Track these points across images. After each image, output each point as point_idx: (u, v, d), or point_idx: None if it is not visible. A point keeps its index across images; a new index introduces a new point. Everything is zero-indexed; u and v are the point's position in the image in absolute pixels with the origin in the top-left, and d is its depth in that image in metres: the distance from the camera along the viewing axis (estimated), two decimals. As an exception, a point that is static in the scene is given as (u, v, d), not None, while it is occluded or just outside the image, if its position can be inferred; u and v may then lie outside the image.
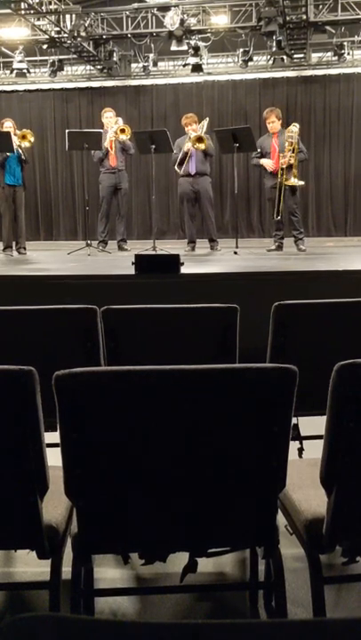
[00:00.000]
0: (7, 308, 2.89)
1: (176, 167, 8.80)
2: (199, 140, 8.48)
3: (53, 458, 1.91)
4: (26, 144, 8.64)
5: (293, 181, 8.12)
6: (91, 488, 1.86)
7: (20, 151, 8.61)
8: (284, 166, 8.13)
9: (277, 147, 8.26)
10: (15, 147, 8.48)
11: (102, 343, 2.81)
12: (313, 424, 2.79)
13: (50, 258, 8.54)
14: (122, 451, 1.82)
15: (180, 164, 8.69)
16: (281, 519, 2.06)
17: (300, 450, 2.83)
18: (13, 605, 2.44)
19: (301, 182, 8.27)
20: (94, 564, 2.16)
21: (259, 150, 8.49)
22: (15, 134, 8.61)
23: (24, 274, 6.25)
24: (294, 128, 8.25)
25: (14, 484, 1.88)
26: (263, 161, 8.36)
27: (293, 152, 8.11)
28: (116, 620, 1.35)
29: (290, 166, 8.12)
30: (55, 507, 2.02)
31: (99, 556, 2.44)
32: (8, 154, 8.48)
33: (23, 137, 8.60)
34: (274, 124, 8.40)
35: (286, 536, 2.12)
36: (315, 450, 2.78)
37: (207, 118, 9.08)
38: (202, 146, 8.50)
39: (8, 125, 8.74)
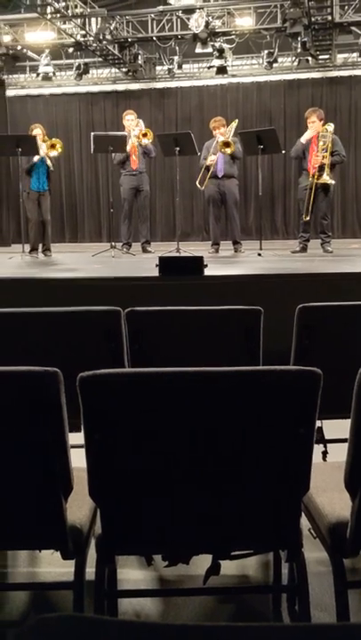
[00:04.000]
0: (32, 309, 2.92)
1: (198, 184, 8.89)
2: (226, 144, 8.50)
3: (78, 459, 1.93)
4: (54, 153, 8.68)
5: (325, 178, 8.06)
6: (114, 489, 1.87)
7: (48, 160, 8.66)
8: (317, 165, 8.10)
9: (316, 147, 8.21)
10: (43, 154, 8.54)
11: (126, 345, 2.82)
12: (337, 427, 2.77)
13: (75, 260, 8.58)
14: (145, 452, 1.82)
15: (205, 170, 8.73)
16: (305, 522, 2.05)
17: (325, 453, 2.81)
18: (38, 605, 2.46)
19: (332, 181, 8.20)
20: (118, 565, 2.16)
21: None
22: (44, 141, 8.67)
23: (49, 276, 6.29)
24: (329, 127, 8.22)
25: (39, 484, 1.89)
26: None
27: (327, 151, 8.07)
28: (140, 622, 1.36)
29: (322, 166, 8.08)
30: (79, 507, 2.03)
31: (122, 557, 2.44)
32: (35, 160, 8.54)
33: (52, 146, 8.64)
34: (314, 124, 8.32)
35: (310, 539, 2.11)
36: (339, 453, 2.77)
37: (236, 120, 9.08)
38: (229, 150, 8.51)
39: (37, 132, 8.80)
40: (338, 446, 2.79)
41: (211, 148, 8.75)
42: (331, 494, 2.10)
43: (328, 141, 8.12)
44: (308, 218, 8.27)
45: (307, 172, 8.29)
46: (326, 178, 8.08)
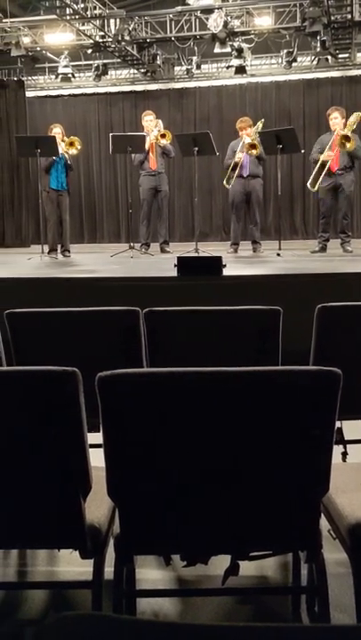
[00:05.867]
0: (51, 309, 2.93)
1: (225, 183, 8.93)
2: (252, 146, 8.53)
3: (96, 458, 1.93)
4: (73, 151, 8.71)
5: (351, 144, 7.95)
6: (133, 489, 1.87)
7: (67, 157, 8.71)
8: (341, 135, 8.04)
9: (337, 148, 8.12)
10: (62, 152, 8.58)
11: (144, 344, 2.82)
12: (357, 428, 2.76)
13: (93, 260, 8.61)
14: (164, 452, 1.82)
15: (232, 170, 8.75)
16: (324, 523, 2.04)
17: (344, 454, 2.80)
18: (56, 604, 2.47)
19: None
20: (136, 564, 2.17)
21: (319, 148, 8.38)
22: (63, 140, 8.71)
23: (68, 276, 6.32)
24: (353, 118, 8.16)
25: (58, 484, 1.90)
26: (323, 156, 8.15)
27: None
28: (158, 621, 1.36)
29: (346, 137, 8.02)
30: (98, 507, 2.03)
31: (140, 557, 2.45)
32: (55, 158, 8.59)
33: (71, 144, 8.68)
34: (336, 120, 8.27)
35: (329, 540, 2.10)
36: (359, 454, 2.75)
37: (262, 120, 9.11)
38: (255, 152, 8.55)
39: (57, 132, 8.85)
40: (358, 447, 2.78)
41: (237, 148, 8.78)
42: (351, 495, 2.09)
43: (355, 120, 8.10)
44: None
45: (329, 170, 8.23)
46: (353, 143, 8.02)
